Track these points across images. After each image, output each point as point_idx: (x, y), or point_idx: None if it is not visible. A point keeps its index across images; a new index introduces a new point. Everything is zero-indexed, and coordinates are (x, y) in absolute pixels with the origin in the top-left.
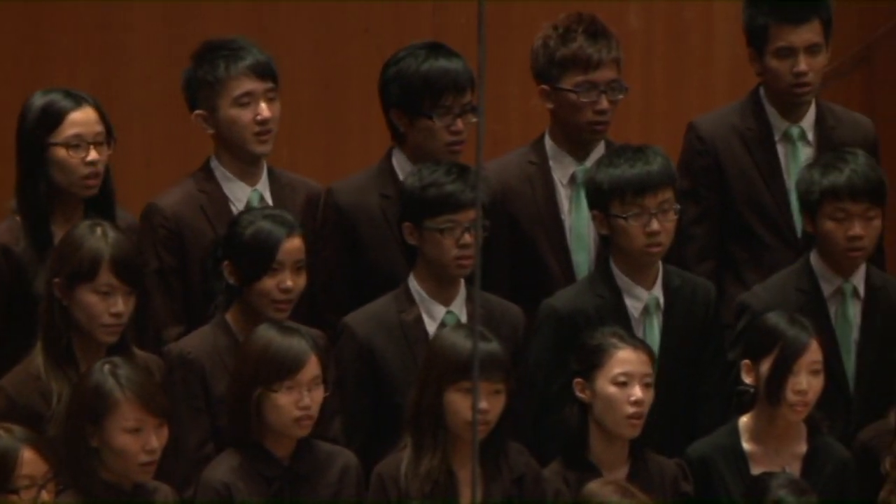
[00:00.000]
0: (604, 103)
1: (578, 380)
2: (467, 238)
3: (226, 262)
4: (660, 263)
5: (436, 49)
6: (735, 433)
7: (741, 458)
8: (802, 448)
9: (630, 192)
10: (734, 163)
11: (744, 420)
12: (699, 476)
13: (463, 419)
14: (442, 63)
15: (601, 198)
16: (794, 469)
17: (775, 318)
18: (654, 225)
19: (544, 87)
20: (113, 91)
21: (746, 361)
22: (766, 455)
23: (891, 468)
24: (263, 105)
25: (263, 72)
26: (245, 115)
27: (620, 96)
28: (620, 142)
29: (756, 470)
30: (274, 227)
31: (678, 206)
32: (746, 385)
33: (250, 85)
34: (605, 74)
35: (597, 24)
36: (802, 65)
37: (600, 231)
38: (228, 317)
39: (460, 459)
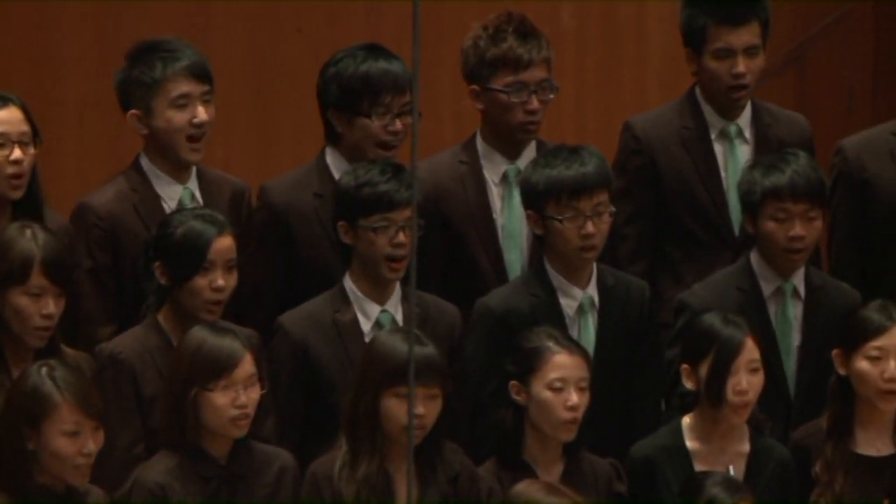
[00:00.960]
0: (534, 103)
1: (514, 382)
2: (401, 237)
3: (157, 263)
4: (594, 262)
5: (375, 50)
6: (678, 433)
7: (685, 458)
8: (746, 448)
9: (565, 194)
10: (670, 162)
11: (687, 420)
12: (643, 476)
13: (399, 425)
14: (382, 64)
15: (536, 198)
16: (738, 468)
17: (710, 320)
18: (589, 227)
19: (474, 87)
20: (46, 90)
21: (685, 366)
22: (710, 454)
23: (821, 472)
24: (200, 108)
25: (200, 74)
26: (181, 117)
27: (551, 96)
28: (553, 141)
29: (700, 469)
30: (204, 226)
31: (613, 209)
32: (687, 389)
33: (187, 87)
34: (536, 74)
35: (527, 24)
36: (741, 66)
37: (534, 231)
38: (160, 317)
39: (397, 462)
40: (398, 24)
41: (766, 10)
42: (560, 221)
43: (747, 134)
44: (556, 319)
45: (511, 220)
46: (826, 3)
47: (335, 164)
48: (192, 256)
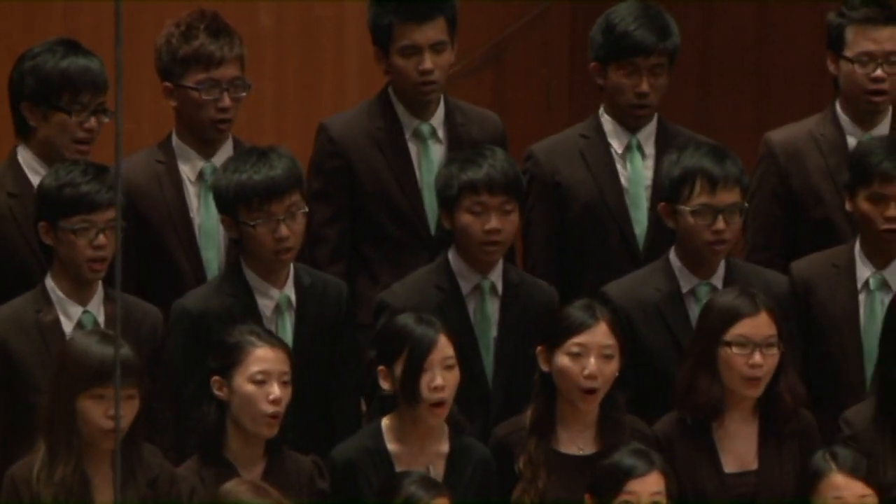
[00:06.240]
0: (226, 101)
1: (216, 378)
2: (101, 239)
3: None
4: (291, 262)
5: (73, 47)
6: (379, 434)
7: (386, 459)
8: (445, 447)
9: (256, 199)
10: (366, 163)
11: (386, 421)
12: (344, 478)
13: (96, 427)
14: (82, 61)
15: (228, 204)
16: (438, 468)
17: (403, 320)
18: (283, 231)
19: (168, 84)
20: None
21: (382, 368)
22: (410, 455)
23: (524, 469)
24: None
25: None
26: None
27: (243, 94)
28: (253, 141)
29: (401, 470)
30: None
31: (306, 209)
32: (385, 390)
33: None
34: (228, 72)
35: (219, 22)
36: (428, 62)
37: (230, 235)
38: None
39: (95, 465)
40: (95, 23)
41: (452, 7)
42: (253, 227)
43: (440, 133)
44: (253, 319)
45: (208, 218)
46: (523, 2)
47: (27, 162)
48: None
